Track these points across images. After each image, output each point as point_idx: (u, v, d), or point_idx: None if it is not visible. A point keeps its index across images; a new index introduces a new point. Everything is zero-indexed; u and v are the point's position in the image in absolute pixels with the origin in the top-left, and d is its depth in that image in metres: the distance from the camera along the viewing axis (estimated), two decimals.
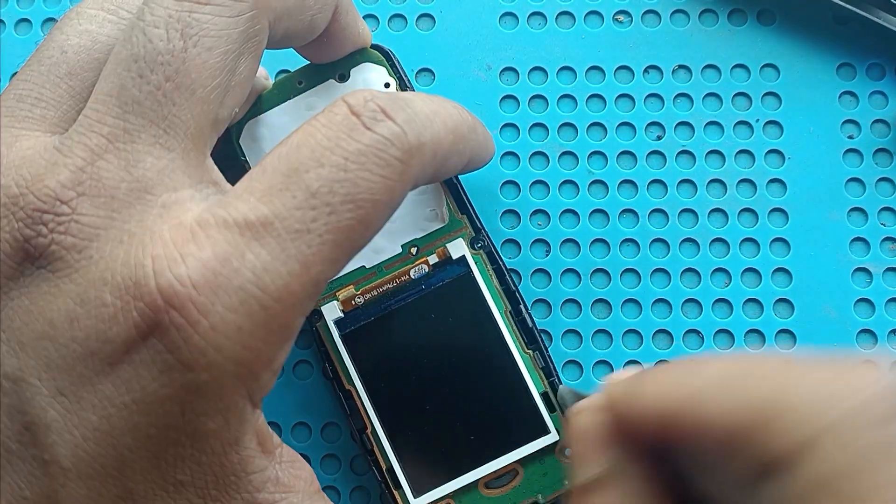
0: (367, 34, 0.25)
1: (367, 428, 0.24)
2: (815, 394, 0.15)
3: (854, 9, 0.27)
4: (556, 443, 0.24)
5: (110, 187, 0.18)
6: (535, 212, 0.27)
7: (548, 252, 0.27)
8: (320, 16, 0.21)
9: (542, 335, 0.25)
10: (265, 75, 0.26)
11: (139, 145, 0.18)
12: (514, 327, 0.25)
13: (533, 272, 0.27)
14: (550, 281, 0.27)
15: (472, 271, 0.25)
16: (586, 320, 0.27)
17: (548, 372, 0.24)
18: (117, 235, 0.18)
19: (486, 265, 0.25)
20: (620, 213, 0.27)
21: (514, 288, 0.25)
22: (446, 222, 0.25)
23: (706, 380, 0.17)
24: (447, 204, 0.25)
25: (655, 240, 0.27)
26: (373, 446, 0.24)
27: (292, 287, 0.17)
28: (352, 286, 0.25)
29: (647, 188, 0.27)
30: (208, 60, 0.18)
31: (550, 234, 0.27)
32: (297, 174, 0.17)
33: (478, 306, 0.25)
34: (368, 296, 0.25)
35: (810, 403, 0.15)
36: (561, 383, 0.24)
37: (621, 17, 0.28)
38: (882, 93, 0.27)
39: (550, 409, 0.24)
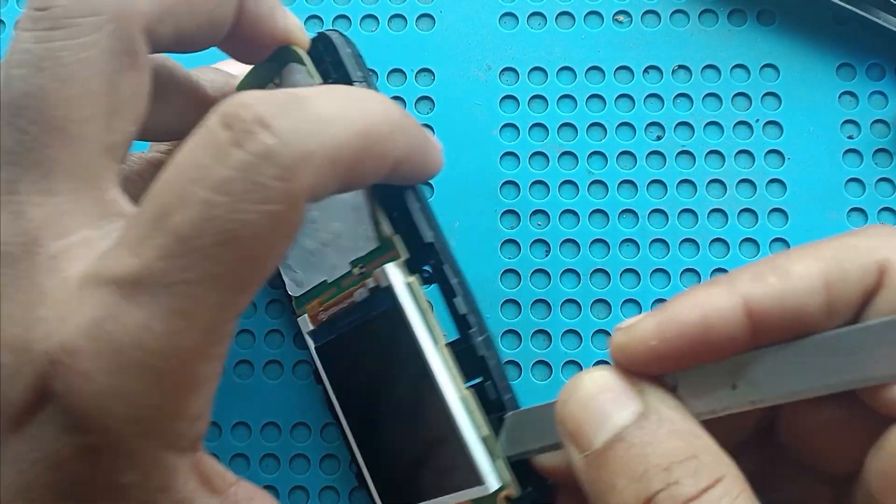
0: (292, 26, 0.22)
1: (347, 436, 0.24)
2: (865, 234, 0.18)
3: (854, 9, 0.27)
4: (496, 492, 0.21)
5: (1, 243, 0.17)
6: (535, 212, 0.27)
7: (548, 252, 0.27)
8: (220, 9, 0.20)
9: (495, 362, 0.22)
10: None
11: (21, 196, 0.17)
12: (453, 362, 0.21)
13: (533, 272, 0.27)
14: (550, 281, 0.27)
15: (398, 303, 0.21)
16: (586, 320, 0.27)
17: (498, 405, 0.21)
18: (10, 293, 0.17)
19: (420, 293, 0.21)
20: (620, 214, 0.27)
21: (464, 311, 0.21)
22: (378, 243, 0.22)
23: (761, 269, 0.18)
24: (375, 222, 0.22)
25: (655, 240, 0.27)
26: (353, 455, 0.24)
27: (179, 342, 0.16)
28: (319, 300, 0.24)
29: (647, 188, 0.27)
30: (71, 92, 0.17)
31: (550, 234, 0.27)
32: (164, 219, 0.16)
33: (406, 344, 0.21)
34: (328, 313, 0.23)
35: (868, 238, 0.17)
36: (512, 411, 0.21)
37: (621, 18, 0.28)
38: (882, 93, 0.27)
39: (491, 454, 0.21)
